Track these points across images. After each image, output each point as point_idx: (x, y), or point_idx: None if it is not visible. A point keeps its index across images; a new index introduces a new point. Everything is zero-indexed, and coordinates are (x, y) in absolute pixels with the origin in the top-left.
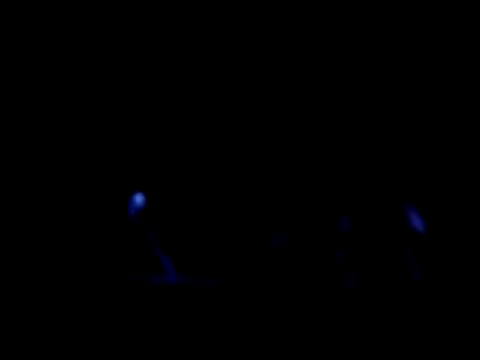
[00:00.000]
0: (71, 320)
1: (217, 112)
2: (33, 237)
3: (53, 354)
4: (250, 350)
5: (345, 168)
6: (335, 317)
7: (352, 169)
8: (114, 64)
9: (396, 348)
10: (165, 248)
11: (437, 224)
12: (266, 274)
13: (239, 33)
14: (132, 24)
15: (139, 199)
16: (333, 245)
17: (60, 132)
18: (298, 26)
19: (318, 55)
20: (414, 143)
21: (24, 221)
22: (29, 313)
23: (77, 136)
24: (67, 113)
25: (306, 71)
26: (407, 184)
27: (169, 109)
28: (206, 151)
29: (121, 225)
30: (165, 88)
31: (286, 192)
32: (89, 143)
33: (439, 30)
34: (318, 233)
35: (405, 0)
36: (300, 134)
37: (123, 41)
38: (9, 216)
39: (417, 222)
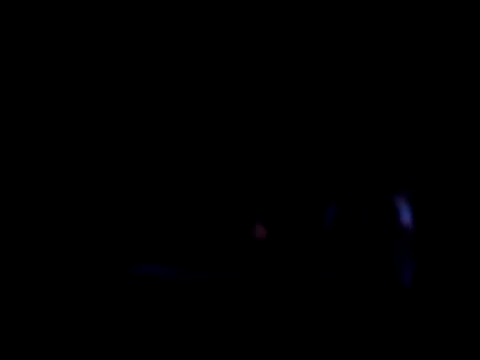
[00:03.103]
0: (63, 315)
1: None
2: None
3: (45, 349)
4: (238, 347)
5: (331, 158)
6: (320, 315)
7: (338, 159)
8: (114, 64)
9: (383, 349)
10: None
11: (430, 219)
12: (249, 268)
13: (239, 33)
14: (132, 24)
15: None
16: (317, 238)
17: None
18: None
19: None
20: (405, 132)
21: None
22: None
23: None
24: (66, 113)
25: (284, 71)
26: (397, 175)
27: (167, 110)
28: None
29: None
30: (165, 89)
31: (267, 183)
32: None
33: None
34: (301, 225)
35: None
36: (282, 125)
37: (123, 41)
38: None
39: (407, 217)
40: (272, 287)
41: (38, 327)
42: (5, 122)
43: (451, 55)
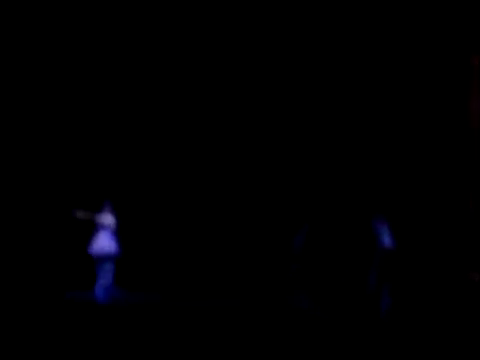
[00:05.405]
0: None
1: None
2: None
3: None
4: None
5: (306, 177)
6: (289, 340)
7: (314, 178)
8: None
9: None
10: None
11: (410, 243)
12: (218, 290)
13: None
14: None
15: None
16: (288, 261)
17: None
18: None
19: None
20: (387, 154)
21: None
22: None
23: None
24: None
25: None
26: (377, 198)
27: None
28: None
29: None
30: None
31: (239, 204)
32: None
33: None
34: (273, 247)
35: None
36: (253, 148)
37: (123, 41)
38: None
39: (387, 240)
40: (239, 310)
41: None
42: None
43: (427, 94)
